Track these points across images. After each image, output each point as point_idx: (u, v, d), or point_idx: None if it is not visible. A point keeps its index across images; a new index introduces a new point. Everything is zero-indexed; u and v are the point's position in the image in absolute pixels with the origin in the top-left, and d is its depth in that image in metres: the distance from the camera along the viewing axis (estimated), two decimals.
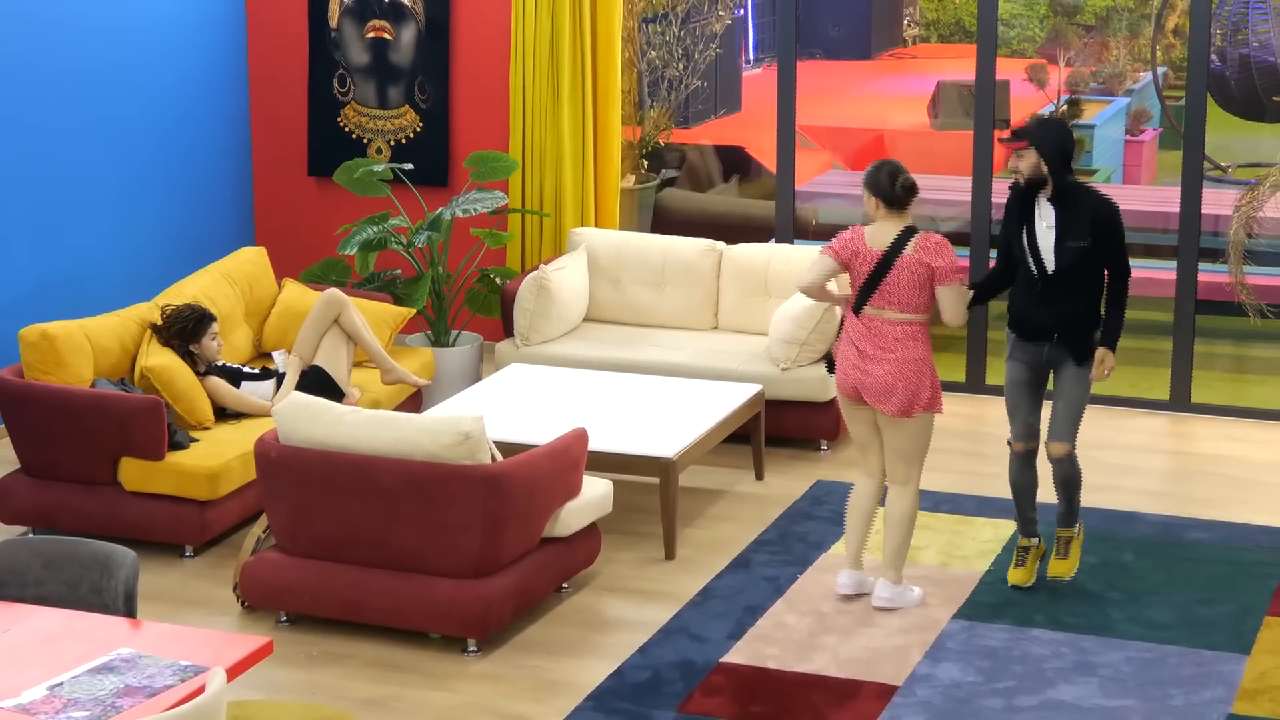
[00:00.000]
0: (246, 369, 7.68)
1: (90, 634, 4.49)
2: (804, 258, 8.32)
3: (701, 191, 11.80)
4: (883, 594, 6.50)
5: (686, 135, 11.72)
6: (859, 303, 6.34)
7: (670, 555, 7.04)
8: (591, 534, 6.69)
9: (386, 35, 9.59)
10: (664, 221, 10.92)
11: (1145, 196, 11.90)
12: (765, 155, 11.03)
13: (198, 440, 7.22)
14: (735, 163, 12.00)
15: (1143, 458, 8.26)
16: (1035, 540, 6.71)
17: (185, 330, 7.46)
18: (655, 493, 7.42)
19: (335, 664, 6.14)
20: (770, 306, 8.48)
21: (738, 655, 6.16)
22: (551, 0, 9.07)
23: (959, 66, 11.89)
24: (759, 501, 7.63)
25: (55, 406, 7.01)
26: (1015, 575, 6.67)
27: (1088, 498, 7.30)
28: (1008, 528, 7.26)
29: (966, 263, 9.06)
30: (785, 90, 9.20)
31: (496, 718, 5.78)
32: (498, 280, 8.99)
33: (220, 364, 7.59)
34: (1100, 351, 6.40)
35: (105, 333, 7.40)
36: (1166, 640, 6.25)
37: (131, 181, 9.05)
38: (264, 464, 6.31)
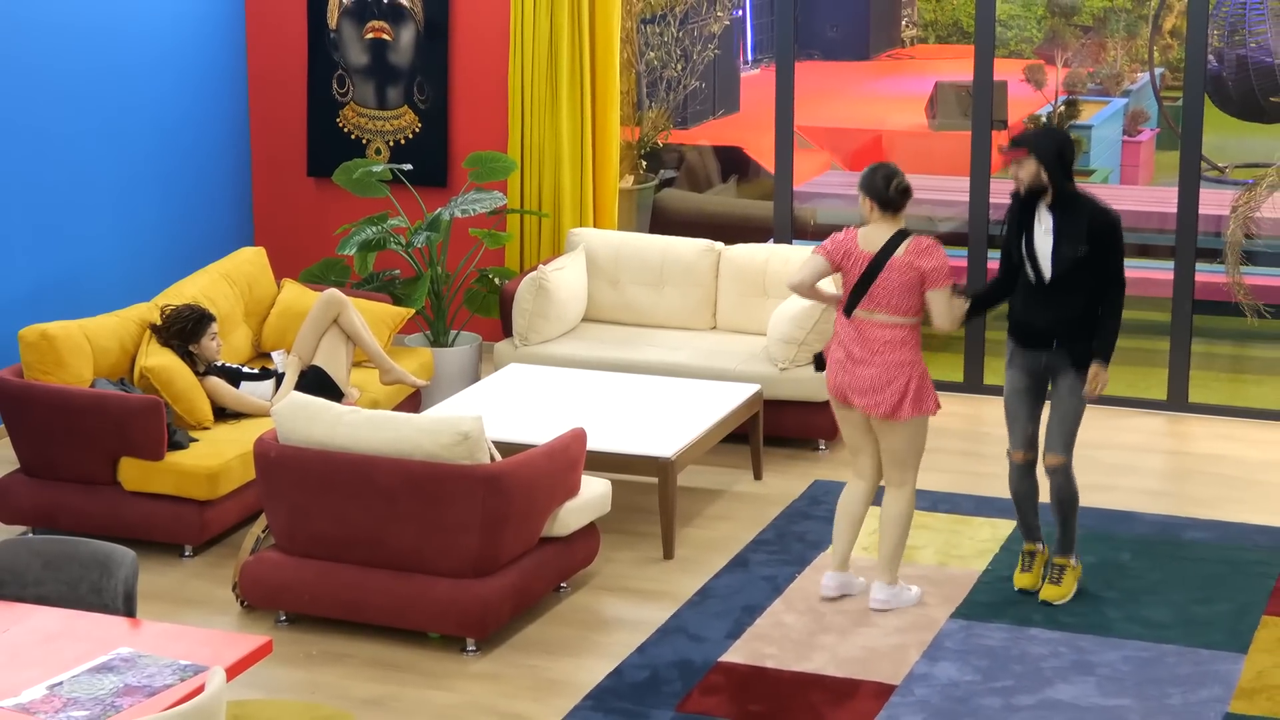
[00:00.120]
0: (246, 369, 7.69)
1: (90, 633, 4.50)
2: (802, 258, 8.31)
3: (700, 192, 11.81)
4: (879, 596, 6.50)
5: (685, 136, 11.73)
6: (850, 305, 6.34)
7: (669, 555, 7.05)
8: (590, 534, 6.70)
9: (385, 36, 9.60)
10: (662, 222, 10.93)
11: (1143, 197, 11.91)
12: (763, 156, 11.04)
13: (197, 440, 7.23)
14: (733, 163, 12.01)
15: (1140, 457, 8.27)
16: (1040, 545, 6.70)
17: (185, 330, 7.47)
18: (654, 492, 7.43)
19: (334, 663, 6.15)
20: (768, 306, 8.49)
21: (736, 655, 6.17)
22: (550, 1, 9.08)
23: (957, 67, 11.89)
24: (757, 501, 7.64)
25: (55, 406, 7.02)
26: (1021, 579, 6.66)
27: (1087, 497, 7.30)
28: (1006, 527, 7.27)
29: (964, 263, 9.07)
30: (783, 91, 9.21)
31: (495, 717, 5.79)
32: (496, 280, 8.99)
33: (219, 364, 7.60)
34: (1093, 368, 6.38)
35: (105, 333, 7.41)
36: (1164, 639, 6.26)
37: (131, 182, 9.06)
38: (263, 464, 6.32)
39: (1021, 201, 6.40)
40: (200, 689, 4.16)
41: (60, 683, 4.24)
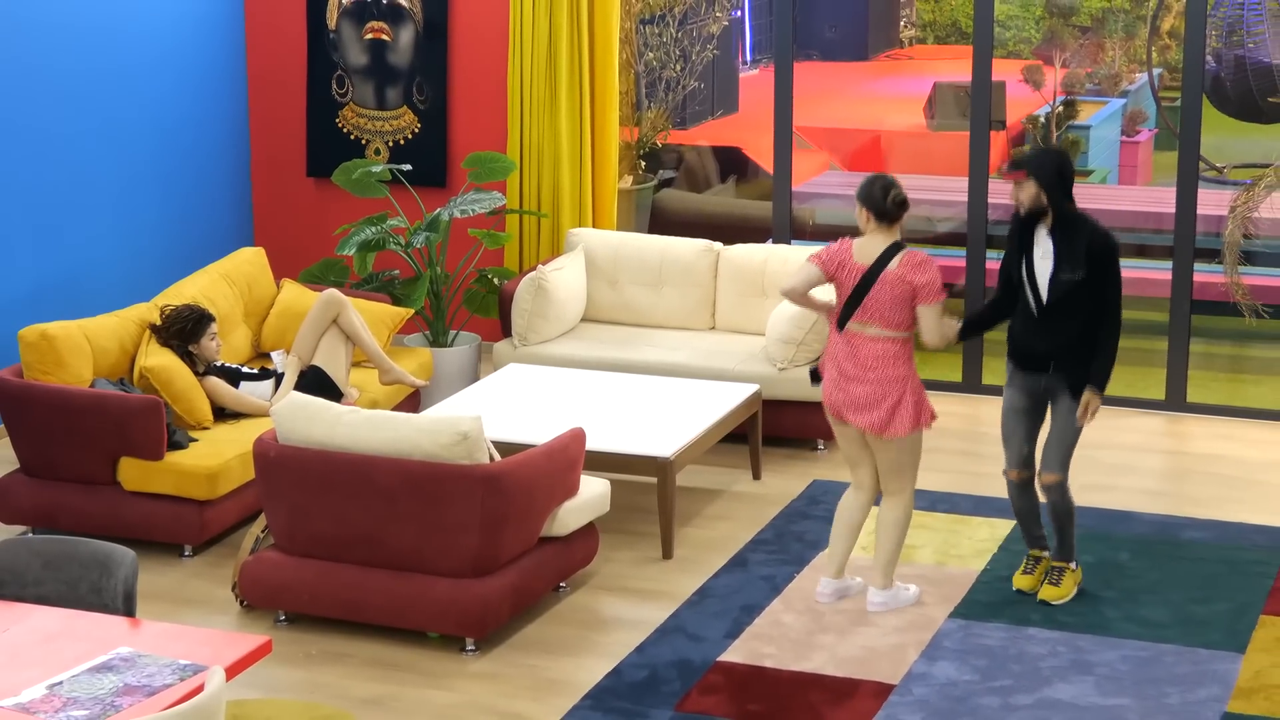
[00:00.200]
0: (245, 369, 7.70)
1: (89, 633, 4.51)
2: (801, 258, 8.33)
3: (699, 192, 11.82)
4: (876, 599, 6.50)
5: (684, 136, 11.74)
6: (842, 318, 6.33)
7: (668, 554, 7.06)
8: (589, 533, 6.71)
9: (385, 36, 9.61)
10: (661, 222, 10.94)
11: (1141, 197, 11.91)
12: (762, 156, 11.05)
13: (196, 440, 7.23)
14: (732, 163, 12.02)
15: (1138, 457, 8.28)
16: (1045, 552, 6.71)
17: (184, 330, 7.48)
18: (653, 492, 7.44)
19: (334, 663, 6.16)
20: (767, 307, 8.50)
21: (735, 654, 6.18)
22: (549, 1, 9.09)
23: (955, 68, 11.90)
24: (756, 501, 7.65)
25: (55, 406, 7.03)
26: (1021, 580, 6.66)
27: (1085, 497, 7.32)
28: (1004, 527, 7.28)
29: (962, 263, 9.08)
30: (782, 91, 9.22)
31: (495, 716, 5.80)
32: (496, 281, 9.00)
33: (219, 364, 7.60)
34: (1086, 394, 6.37)
35: (104, 333, 7.42)
36: (1162, 639, 6.27)
37: (131, 182, 9.07)
38: (262, 464, 6.33)
39: (1022, 222, 6.40)
40: (200, 689, 4.17)
41: (60, 682, 4.24)
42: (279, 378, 7.71)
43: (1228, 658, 6.12)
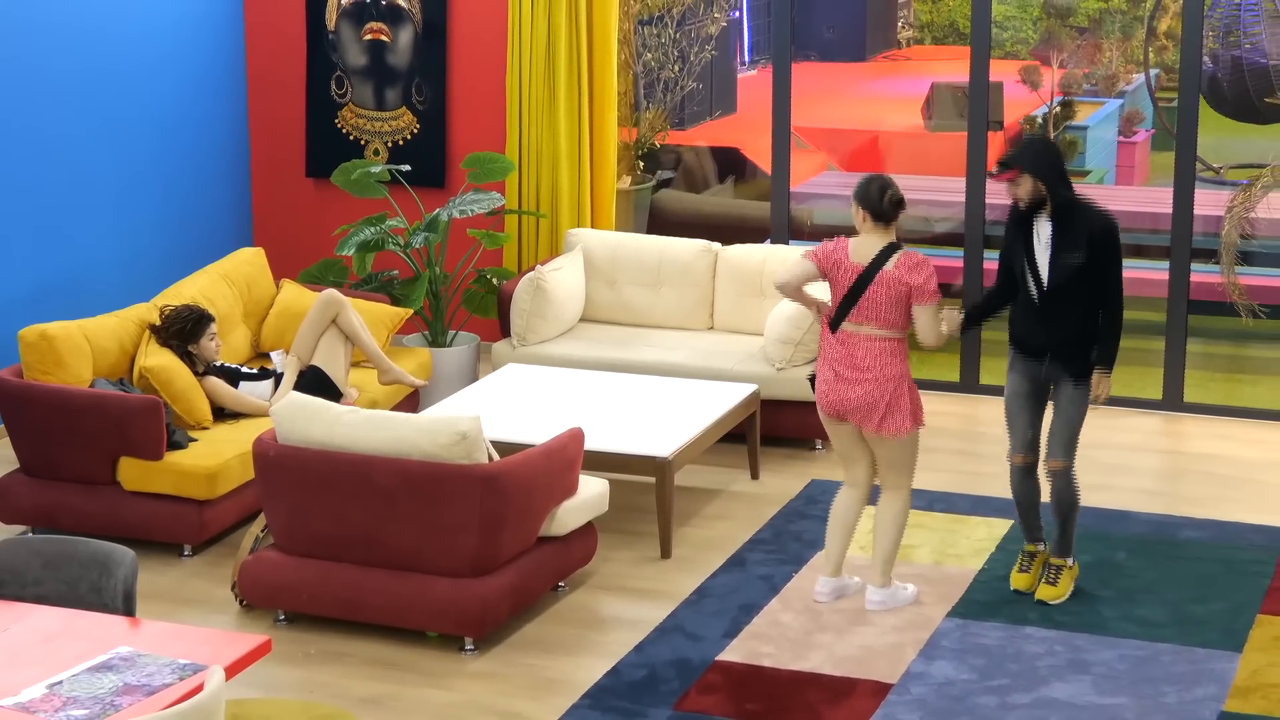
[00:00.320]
0: (245, 369, 7.71)
1: (89, 633, 4.51)
2: (793, 259, 8.33)
3: (697, 192, 11.84)
4: (875, 598, 6.52)
5: (682, 137, 11.75)
6: (837, 319, 6.34)
7: (666, 554, 7.07)
8: (588, 533, 6.72)
9: (384, 37, 9.62)
10: (660, 222, 10.95)
11: (1138, 197, 11.93)
12: (760, 156, 11.06)
13: (196, 440, 7.25)
14: (730, 164, 12.04)
15: (1135, 457, 8.29)
16: (1041, 546, 6.71)
17: (184, 331, 7.49)
18: (651, 492, 7.45)
19: (333, 662, 6.17)
20: (765, 307, 8.51)
21: (733, 653, 6.19)
22: (548, 2, 9.10)
23: (953, 68, 11.92)
24: (754, 500, 7.66)
25: (54, 406, 7.04)
26: (1018, 580, 6.66)
27: (1082, 496, 7.32)
28: (1002, 526, 7.29)
29: (960, 263, 9.09)
30: (780, 92, 9.23)
31: (494, 716, 5.81)
32: (494, 281, 9.01)
33: (218, 364, 7.62)
34: (1095, 375, 6.40)
35: (104, 333, 7.43)
36: (1159, 638, 6.28)
37: (130, 183, 9.08)
38: (262, 464, 6.34)
39: (1021, 211, 6.40)
40: (199, 688, 4.17)
41: (60, 682, 4.25)
42: (278, 378, 7.72)
43: (1225, 657, 6.14)
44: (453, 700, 5.89)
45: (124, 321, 7.55)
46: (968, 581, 6.77)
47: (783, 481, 7.88)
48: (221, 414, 7.53)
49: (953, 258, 9.39)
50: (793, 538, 7.22)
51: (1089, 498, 7.50)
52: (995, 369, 8.96)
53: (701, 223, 10.68)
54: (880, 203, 6.28)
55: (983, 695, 5.86)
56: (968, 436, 8.56)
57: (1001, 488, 7.40)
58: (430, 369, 8.51)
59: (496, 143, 9.49)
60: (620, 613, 6.58)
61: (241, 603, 6.54)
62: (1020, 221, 6.39)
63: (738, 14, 12.68)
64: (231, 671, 4.35)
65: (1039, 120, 12.17)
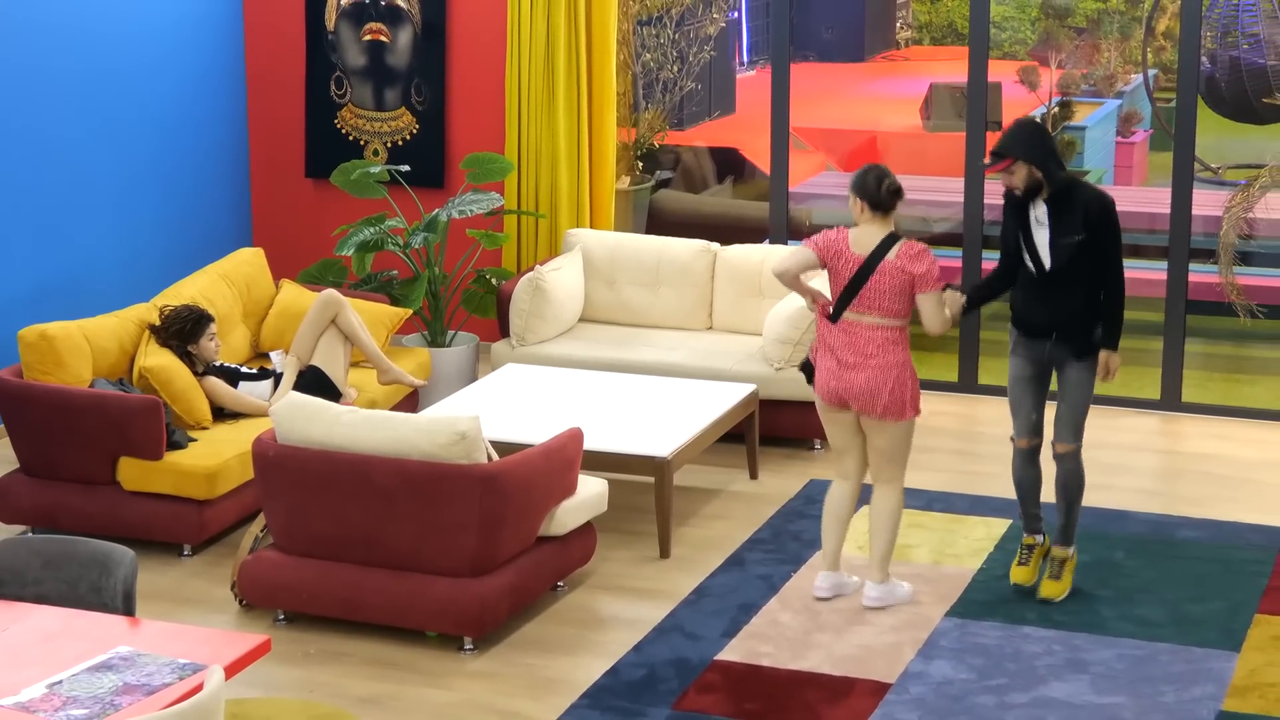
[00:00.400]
0: (244, 369, 7.72)
1: (89, 632, 4.52)
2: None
3: (696, 193, 11.84)
4: (873, 594, 6.53)
5: (681, 137, 11.76)
6: (838, 309, 6.35)
7: (665, 554, 7.08)
8: (587, 533, 6.73)
9: (383, 38, 9.62)
10: (658, 222, 10.96)
11: (1136, 198, 11.94)
12: (759, 157, 11.07)
13: (196, 440, 7.25)
14: (729, 164, 12.04)
15: (1134, 457, 8.30)
16: (1039, 538, 6.70)
17: (183, 331, 7.50)
18: (650, 492, 7.46)
19: (332, 662, 6.18)
20: (764, 307, 8.52)
21: (732, 653, 6.20)
22: (547, 3, 9.11)
23: (951, 69, 11.92)
24: (753, 500, 7.67)
25: (54, 406, 7.05)
26: (1018, 574, 6.66)
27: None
28: (1000, 526, 7.30)
29: (958, 263, 9.10)
30: (779, 92, 9.24)
31: (493, 715, 5.82)
32: (494, 281, 9.02)
33: (218, 364, 7.62)
34: (1103, 355, 6.42)
35: (104, 333, 7.43)
36: (1157, 638, 6.29)
37: (130, 183, 9.09)
38: (261, 463, 6.35)
39: (1017, 197, 6.41)
40: (199, 687, 4.18)
41: (60, 681, 4.26)
42: (278, 378, 7.73)
43: (1223, 656, 6.14)
44: (452, 700, 5.90)
45: (124, 321, 7.56)
46: (966, 581, 6.78)
47: (781, 481, 7.89)
48: (221, 414, 7.54)
49: (951, 258, 9.39)
50: (791, 537, 7.23)
51: (1088, 497, 7.48)
52: (994, 369, 8.97)
53: (700, 223, 10.69)
54: (878, 192, 6.29)
55: (981, 695, 5.87)
56: (966, 436, 8.57)
57: (1000, 487, 7.42)
58: (429, 369, 8.51)
59: (496, 143, 9.50)
60: (619, 612, 6.59)
61: (241, 602, 6.55)
62: (1017, 205, 6.40)
63: (736, 14, 12.69)
64: (231, 671, 4.35)
65: (1037, 121, 12.17)
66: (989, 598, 6.63)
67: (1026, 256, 6.39)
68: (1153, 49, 12.32)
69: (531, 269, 8.73)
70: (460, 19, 9.54)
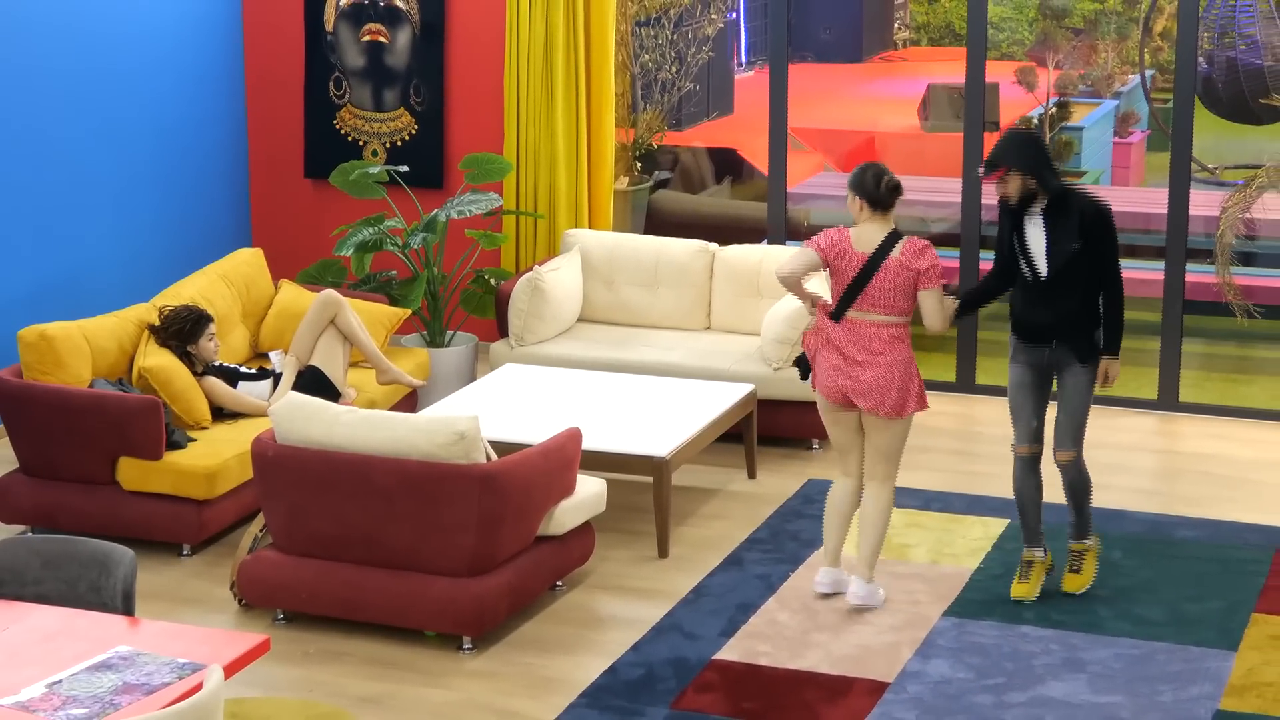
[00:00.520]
0: (243, 369, 7.73)
1: (89, 632, 4.53)
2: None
3: (694, 193, 11.85)
4: (859, 591, 6.53)
5: (679, 137, 11.77)
6: (841, 307, 6.36)
7: (663, 553, 7.08)
8: (585, 532, 6.74)
9: (382, 38, 9.63)
10: (657, 223, 10.97)
11: (1133, 198, 11.96)
12: (757, 157, 11.09)
13: (195, 440, 7.26)
14: (727, 164, 12.05)
15: (1131, 456, 8.31)
16: (1040, 553, 6.66)
17: (183, 331, 7.51)
18: (648, 491, 7.47)
19: (332, 661, 6.18)
20: (762, 307, 8.53)
21: (730, 652, 6.21)
22: (546, 3, 9.12)
23: (949, 69, 11.94)
24: (751, 500, 7.68)
25: (54, 406, 7.06)
26: (1018, 590, 6.61)
27: None
28: (998, 526, 7.31)
29: (956, 264, 9.11)
30: (777, 93, 9.25)
31: (492, 715, 5.83)
32: (492, 281, 9.03)
33: (217, 364, 7.63)
34: (1104, 362, 6.42)
35: (103, 333, 7.44)
36: (1155, 637, 6.30)
37: (130, 183, 9.10)
38: (261, 463, 6.36)
39: (1013, 205, 6.42)
40: (198, 687, 4.19)
41: (59, 681, 4.27)
42: (277, 378, 7.74)
43: (1220, 655, 6.16)
44: (451, 699, 5.91)
45: (123, 322, 7.57)
46: (964, 581, 6.79)
47: (780, 481, 7.89)
48: (220, 414, 7.55)
49: (949, 258, 9.39)
50: (789, 537, 7.24)
51: None
52: (992, 369, 8.98)
53: (699, 223, 10.70)
54: (877, 189, 6.30)
55: (979, 694, 5.88)
56: (964, 436, 8.58)
57: (998, 487, 7.43)
58: (428, 369, 8.52)
59: (494, 143, 9.51)
60: (618, 612, 6.60)
61: (240, 602, 6.56)
62: (1014, 211, 6.40)
63: (735, 15, 12.70)
64: (230, 670, 4.36)
65: (1034, 121, 12.19)
66: (987, 597, 6.63)
67: (1023, 263, 6.39)
68: (1150, 50, 12.34)
69: (530, 269, 8.74)
70: (459, 20, 9.54)
